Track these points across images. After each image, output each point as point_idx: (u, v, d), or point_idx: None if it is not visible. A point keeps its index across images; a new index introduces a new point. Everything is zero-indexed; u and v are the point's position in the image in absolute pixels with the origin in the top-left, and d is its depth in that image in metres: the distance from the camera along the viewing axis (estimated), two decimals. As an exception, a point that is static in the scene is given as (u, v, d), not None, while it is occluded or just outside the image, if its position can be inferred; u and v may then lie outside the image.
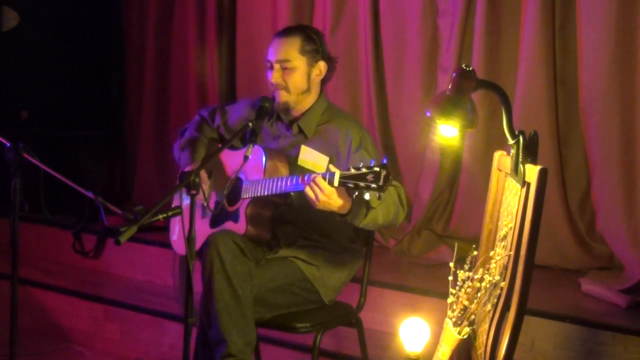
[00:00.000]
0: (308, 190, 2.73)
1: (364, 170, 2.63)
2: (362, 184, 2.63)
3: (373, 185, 2.61)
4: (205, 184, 3.17)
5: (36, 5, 5.39)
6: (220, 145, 3.22)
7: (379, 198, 2.65)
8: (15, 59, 5.40)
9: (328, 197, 2.72)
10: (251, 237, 3.00)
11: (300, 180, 2.79)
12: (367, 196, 2.64)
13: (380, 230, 4.59)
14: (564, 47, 4.20)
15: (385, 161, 2.64)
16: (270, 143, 3.16)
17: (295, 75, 3.07)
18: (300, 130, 3.13)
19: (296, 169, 3.06)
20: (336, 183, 2.68)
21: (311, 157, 3.06)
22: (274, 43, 3.12)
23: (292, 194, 2.93)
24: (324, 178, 2.70)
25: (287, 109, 3.12)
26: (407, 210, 4.57)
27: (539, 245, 2.36)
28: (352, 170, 2.65)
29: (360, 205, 2.82)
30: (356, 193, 2.66)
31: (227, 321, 2.89)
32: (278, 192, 2.88)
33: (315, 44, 3.10)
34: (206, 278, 2.92)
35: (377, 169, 2.62)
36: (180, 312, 3.40)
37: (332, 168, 2.71)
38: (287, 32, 3.15)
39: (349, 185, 2.65)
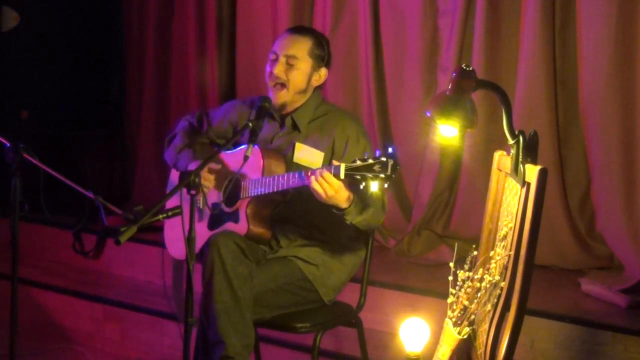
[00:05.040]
0: (316, 185, 2.73)
1: (370, 161, 2.63)
2: (369, 174, 2.63)
3: (381, 175, 2.61)
4: (208, 181, 3.15)
5: (36, 5, 5.39)
6: (216, 148, 3.21)
7: (386, 187, 2.65)
8: (15, 59, 5.40)
9: (336, 191, 2.73)
10: (253, 237, 3.00)
11: (304, 175, 2.79)
12: (374, 186, 2.63)
13: (380, 230, 4.59)
14: (564, 47, 4.20)
15: (392, 150, 2.64)
16: (265, 144, 3.16)
17: (297, 73, 3.07)
18: (294, 126, 3.13)
19: (292, 167, 3.05)
20: (342, 176, 2.68)
21: (306, 154, 3.06)
22: (285, 37, 3.13)
23: (291, 191, 2.92)
24: (330, 171, 2.71)
25: (282, 109, 3.12)
26: (407, 211, 4.64)
27: (539, 245, 2.36)
28: (358, 162, 2.65)
29: (360, 201, 2.82)
30: (363, 184, 2.65)
31: (225, 323, 2.89)
32: (282, 188, 2.87)
33: (323, 50, 3.13)
34: (206, 279, 2.92)
35: (384, 159, 2.62)
36: (175, 311, 3.40)
37: (336, 162, 2.71)
38: (300, 30, 3.18)
39: (356, 177, 2.65)
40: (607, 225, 4.04)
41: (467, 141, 4.24)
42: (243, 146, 3.05)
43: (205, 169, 3.08)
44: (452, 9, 4.39)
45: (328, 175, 2.70)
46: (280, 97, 3.09)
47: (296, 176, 2.83)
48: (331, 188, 2.72)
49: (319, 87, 3.17)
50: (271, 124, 3.19)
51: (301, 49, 3.09)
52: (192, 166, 3.13)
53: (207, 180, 3.12)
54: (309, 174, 2.77)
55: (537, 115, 4.12)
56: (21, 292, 3.29)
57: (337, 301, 3.20)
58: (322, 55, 3.12)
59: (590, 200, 4.19)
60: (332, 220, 2.95)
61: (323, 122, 3.12)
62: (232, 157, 3.13)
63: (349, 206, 2.81)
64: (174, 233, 3.24)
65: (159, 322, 4.13)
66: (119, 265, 4.78)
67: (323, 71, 3.13)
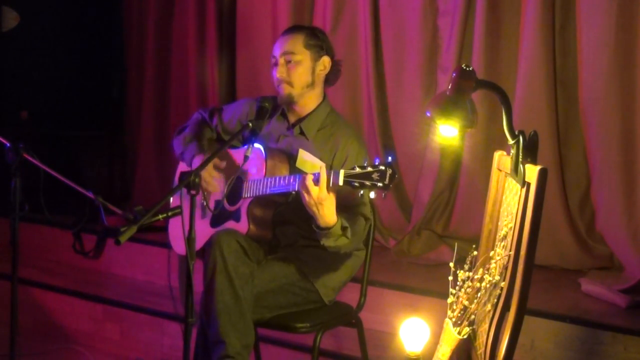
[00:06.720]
0: (306, 185, 2.74)
1: (369, 169, 2.64)
2: (367, 182, 2.63)
3: (379, 184, 2.62)
4: (212, 178, 3.16)
5: (36, 5, 5.39)
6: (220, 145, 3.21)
7: (384, 197, 2.65)
8: (15, 59, 5.40)
9: (323, 199, 2.73)
10: (253, 237, 3.00)
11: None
12: (372, 195, 2.64)
13: (380, 230, 4.59)
14: (564, 47, 4.20)
15: (390, 160, 2.64)
16: (271, 143, 3.16)
17: (299, 69, 3.09)
18: (302, 132, 3.14)
19: (295, 170, 3.06)
20: (341, 182, 2.68)
21: (309, 161, 3.06)
22: (279, 40, 3.17)
23: (293, 192, 2.93)
24: (329, 176, 2.71)
25: (290, 102, 3.13)
26: (407, 211, 4.64)
27: (539, 245, 2.36)
28: (357, 169, 2.65)
29: (340, 232, 2.85)
30: (361, 192, 2.66)
31: (226, 322, 2.89)
32: (282, 190, 2.88)
33: (318, 39, 3.14)
34: (208, 278, 2.92)
35: (382, 167, 2.62)
36: (179, 310, 3.40)
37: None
38: (291, 29, 3.22)
39: (354, 184, 2.65)
40: (607, 225, 4.04)
41: (467, 141, 4.25)
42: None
43: (211, 165, 3.10)
44: (452, 9, 4.39)
45: (323, 181, 2.71)
46: (285, 90, 3.10)
47: (296, 179, 2.83)
48: (318, 192, 2.72)
49: (329, 81, 3.18)
50: (280, 122, 3.20)
51: (295, 44, 3.11)
52: (197, 160, 3.14)
53: (211, 177, 3.13)
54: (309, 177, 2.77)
55: (537, 115, 4.12)
56: (21, 292, 3.29)
57: (337, 301, 3.20)
58: (319, 44, 3.13)
59: (590, 200, 4.19)
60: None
61: (329, 134, 3.12)
62: (239, 155, 3.14)
63: (328, 229, 2.82)
64: (177, 230, 3.25)
65: (159, 322, 4.13)
66: (119, 265, 4.78)
67: (326, 60, 3.14)
